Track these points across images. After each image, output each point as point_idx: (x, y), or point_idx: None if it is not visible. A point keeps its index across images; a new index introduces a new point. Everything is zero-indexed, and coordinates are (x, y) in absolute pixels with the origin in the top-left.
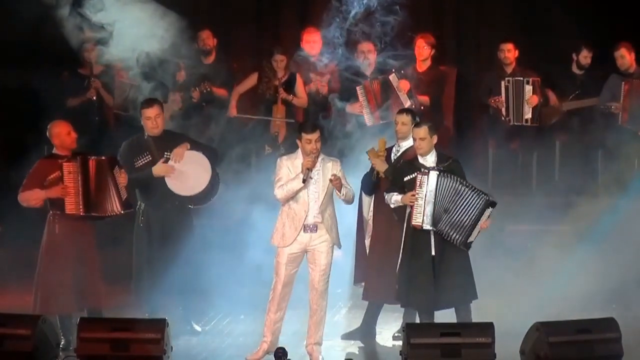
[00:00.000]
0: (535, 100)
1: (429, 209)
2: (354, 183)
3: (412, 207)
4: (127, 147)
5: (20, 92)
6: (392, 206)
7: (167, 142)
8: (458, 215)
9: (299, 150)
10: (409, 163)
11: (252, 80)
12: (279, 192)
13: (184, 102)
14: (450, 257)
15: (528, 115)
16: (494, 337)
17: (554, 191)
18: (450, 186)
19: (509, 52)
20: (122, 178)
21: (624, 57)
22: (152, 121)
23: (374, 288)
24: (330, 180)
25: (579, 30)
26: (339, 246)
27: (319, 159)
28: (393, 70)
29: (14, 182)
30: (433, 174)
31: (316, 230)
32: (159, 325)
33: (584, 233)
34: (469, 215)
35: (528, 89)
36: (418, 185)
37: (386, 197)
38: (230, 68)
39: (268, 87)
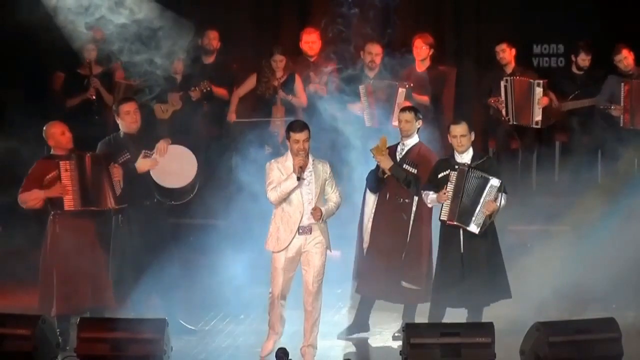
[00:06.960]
0: (546, 101)
1: (456, 205)
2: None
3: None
4: (104, 147)
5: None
6: (429, 206)
7: (144, 139)
8: (473, 205)
9: (288, 152)
10: (445, 161)
11: (251, 81)
12: (272, 195)
13: (183, 102)
14: (481, 255)
15: (538, 117)
16: (494, 337)
17: (554, 191)
18: (476, 182)
19: (504, 52)
20: (116, 173)
21: (627, 58)
22: (131, 116)
23: (368, 283)
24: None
25: (579, 28)
26: (330, 249)
27: (309, 160)
28: (406, 85)
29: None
30: (464, 171)
31: (310, 232)
32: (159, 325)
33: (584, 233)
34: (475, 199)
35: (538, 91)
36: (449, 181)
37: (423, 195)
38: (230, 68)
39: (267, 88)
